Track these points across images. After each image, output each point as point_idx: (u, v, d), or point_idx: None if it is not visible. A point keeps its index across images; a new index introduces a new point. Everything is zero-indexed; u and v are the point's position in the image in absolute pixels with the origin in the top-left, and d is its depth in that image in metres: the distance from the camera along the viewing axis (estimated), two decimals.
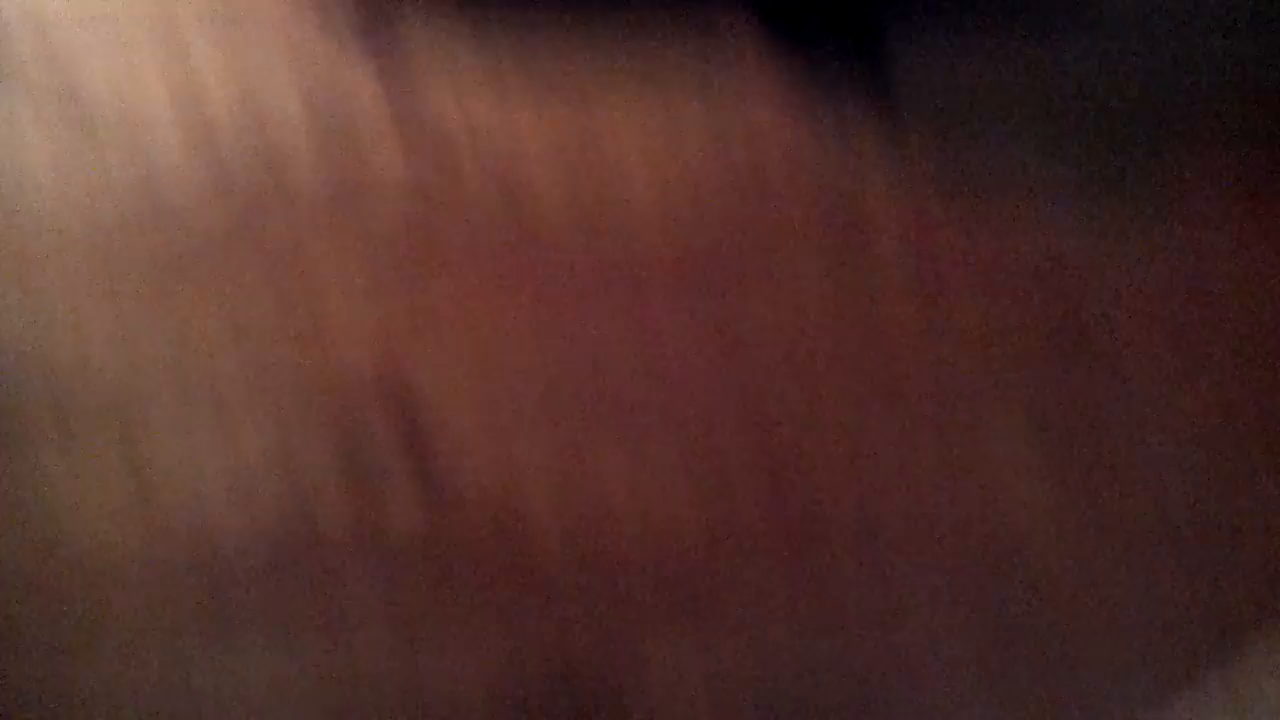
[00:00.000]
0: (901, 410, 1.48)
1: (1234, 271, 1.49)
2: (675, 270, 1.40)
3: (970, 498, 1.49)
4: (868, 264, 1.46)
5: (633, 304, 1.43)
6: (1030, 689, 1.46)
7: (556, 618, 1.51)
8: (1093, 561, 1.51)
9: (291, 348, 1.39)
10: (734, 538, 1.47)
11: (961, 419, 1.48)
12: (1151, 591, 1.52)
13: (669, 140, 1.44)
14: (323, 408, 1.42)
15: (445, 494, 1.45)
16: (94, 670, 1.42)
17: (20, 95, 1.32)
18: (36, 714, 1.37)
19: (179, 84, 1.34)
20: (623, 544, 1.49)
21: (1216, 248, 1.47)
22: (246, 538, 1.40)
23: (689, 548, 1.49)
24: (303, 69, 1.33)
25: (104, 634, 1.44)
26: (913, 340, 1.44)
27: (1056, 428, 1.50)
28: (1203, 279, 1.49)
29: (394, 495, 1.43)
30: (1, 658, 1.41)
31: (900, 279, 1.46)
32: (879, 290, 1.45)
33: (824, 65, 0.74)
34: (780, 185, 1.45)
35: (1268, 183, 1.55)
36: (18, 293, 1.33)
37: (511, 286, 1.41)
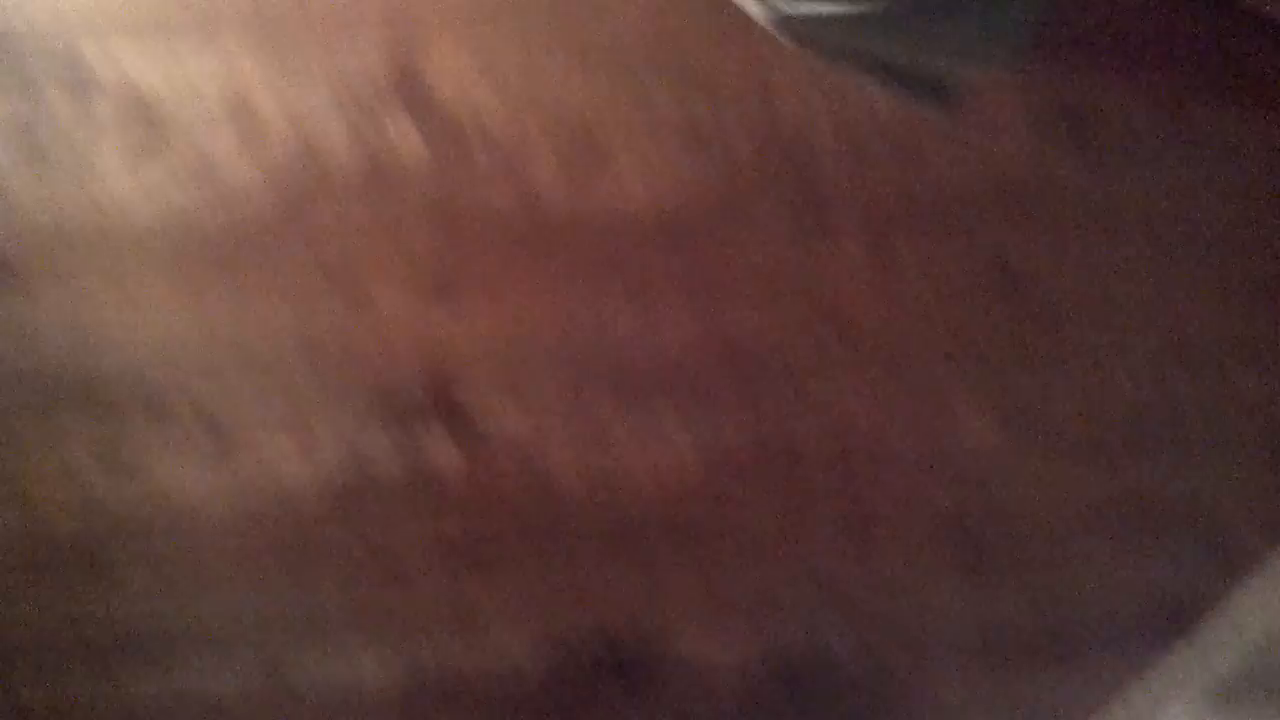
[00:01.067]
0: (861, 351, 1.63)
1: (1150, 210, 1.64)
2: (661, 234, 1.55)
3: (927, 424, 1.67)
4: (823, 219, 1.59)
5: (627, 264, 1.56)
6: (998, 586, 1.65)
7: (580, 554, 1.66)
8: (1037, 474, 1.69)
9: (340, 317, 1.53)
10: (728, 483, 1.63)
11: (914, 356, 1.65)
12: (1086, 500, 1.72)
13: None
14: (369, 369, 1.56)
15: (479, 445, 1.57)
16: (188, 606, 1.56)
17: (97, 102, 1.46)
18: (137, 647, 1.52)
19: (230, 90, 1.47)
20: (634, 489, 1.63)
21: (1136, 194, 1.62)
22: (311, 489, 1.55)
23: (691, 493, 1.64)
24: (337, 77, 1.47)
25: (193, 574, 1.59)
26: (866, 282, 1.60)
27: (996, 361, 1.67)
28: (1118, 217, 1.64)
29: (433, 444, 1.54)
30: (105, 595, 1.56)
31: (850, 223, 1.56)
32: (832, 236, 1.57)
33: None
34: (744, 151, 1.56)
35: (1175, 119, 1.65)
36: (102, 278, 1.47)
37: (524, 252, 1.54)
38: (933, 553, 1.72)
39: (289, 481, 1.60)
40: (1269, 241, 1.66)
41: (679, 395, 1.66)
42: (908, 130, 1.56)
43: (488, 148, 1.53)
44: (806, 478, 1.68)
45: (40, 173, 1.50)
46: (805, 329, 1.65)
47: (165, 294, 1.56)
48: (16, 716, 1.58)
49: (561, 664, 1.74)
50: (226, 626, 1.63)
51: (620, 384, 1.68)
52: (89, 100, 1.48)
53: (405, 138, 1.53)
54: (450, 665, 1.70)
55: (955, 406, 1.71)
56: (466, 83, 1.52)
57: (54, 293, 1.54)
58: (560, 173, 1.55)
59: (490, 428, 1.64)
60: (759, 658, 1.78)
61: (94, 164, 1.50)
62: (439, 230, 1.56)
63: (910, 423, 1.73)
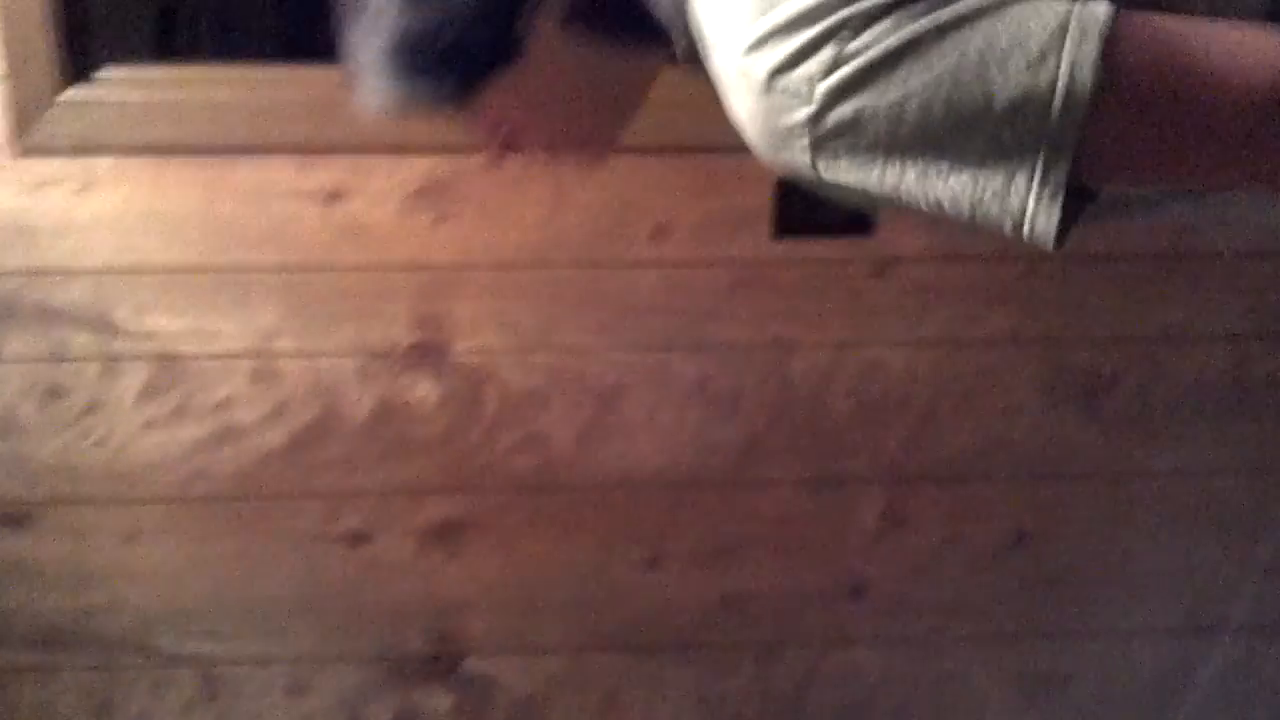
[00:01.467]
0: (874, 613, 1.57)
1: (1165, 480, 1.61)
2: (672, 492, 1.53)
3: (945, 693, 1.59)
4: (836, 474, 1.57)
5: (637, 521, 1.54)
6: None
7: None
8: None
9: (342, 560, 1.52)
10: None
11: (928, 619, 1.58)
12: None
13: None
14: (369, 615, 1.53)
15: None
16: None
17: (115, 341, 1.47)
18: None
19: (249, 336, 1.48)
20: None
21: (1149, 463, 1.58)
22: None
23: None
24: (356, 317, 1.49)
25: None
26: (878, 541, 1.57)
27: (1012, 628, 1.60)
28: None
29: (432, 698, 1.48)
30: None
31: None
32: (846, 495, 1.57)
33: None
34: (756, 406, 1.55)
35: None
36: (112, 514, 1.47)
37: (532, 502, 1.54)
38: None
39: None
40: None
41: (687, 655, 1.63)
42: (922, 389, 1.56)
43: (500, 397, 1.54)
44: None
45: (57, 406, 1.51)
46: (815, 580, 1.62)
47: (169, 528, 1.54)
48: None
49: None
50: None
51: (625, 634, 1.65)
52: (110, 337, 1.50)
53: (418, 383, 1.53)
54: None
55: (968, 667, 1.67)
56: (484, 333, 1.52)
57: (59, 525, 1.53)
58: (572, 428, 1.55)
59: (490, 675, 1.60)
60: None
61: (108, 399, 1.51)
62: (447, 473, 1.55)
63: (921, 680, 1.69)
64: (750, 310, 1.53)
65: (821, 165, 0.70)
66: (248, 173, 1.44)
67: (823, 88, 0.67)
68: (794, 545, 1.59)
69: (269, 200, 1.44)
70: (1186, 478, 1.61)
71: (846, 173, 0.70)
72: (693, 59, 0.77)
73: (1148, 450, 1.60)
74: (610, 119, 0.91)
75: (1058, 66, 0.64)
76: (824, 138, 0.68)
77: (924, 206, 0.70)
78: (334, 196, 1.45)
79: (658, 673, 1.61)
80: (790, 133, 0.69)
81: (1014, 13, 0.66)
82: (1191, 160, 0.69)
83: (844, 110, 0.67)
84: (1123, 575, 1.63)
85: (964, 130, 0.67)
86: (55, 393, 1.48)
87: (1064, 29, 0.65)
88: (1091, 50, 0.64)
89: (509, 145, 0.90)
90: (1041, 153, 0.66)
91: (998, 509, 1.60)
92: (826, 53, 0.66)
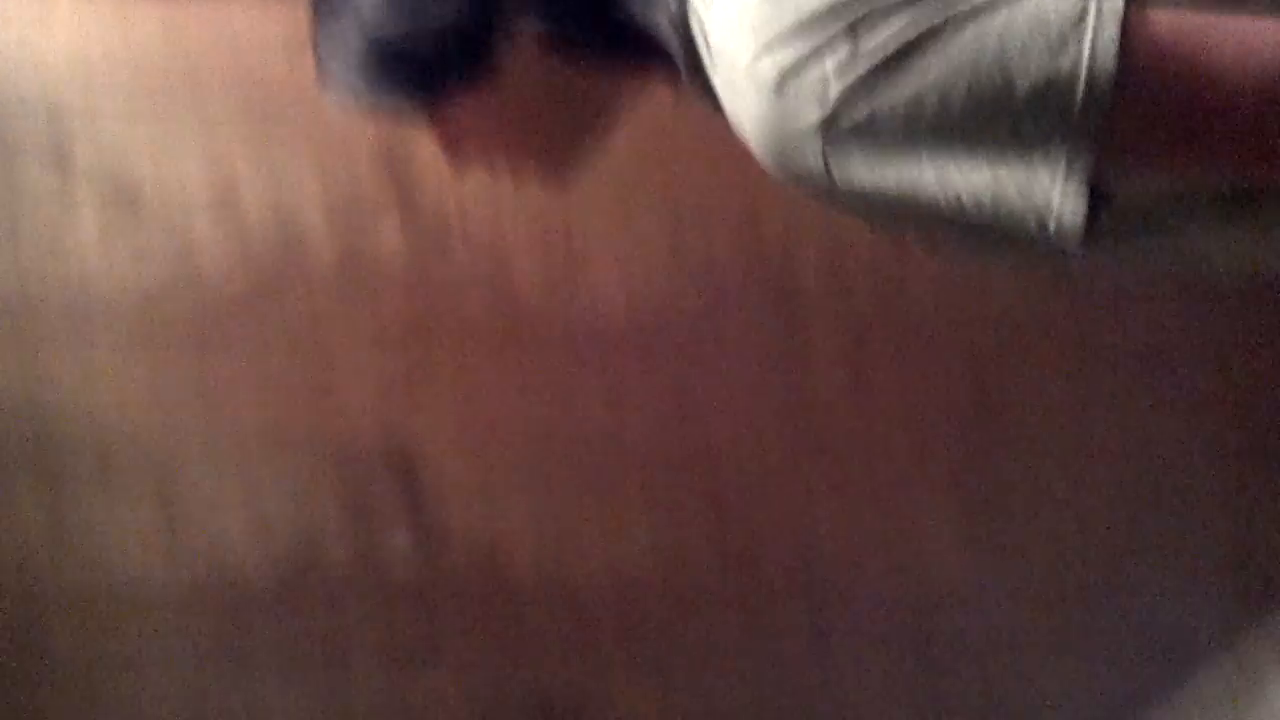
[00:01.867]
0: (832, 464, 1.62)
1: (1124, 345, 1.63)
2: (638, 342, 1.54)
3: (894, 541, 1.63)
4: (802, 338, 1.59)
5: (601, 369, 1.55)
6: (954, 708, 1.60)
7: (532, 653, 1.63)
8: (1000, 601, 1.65)
9: (305, 404, 1.53)
10: (688, 586, 1.61)
11: (885, 473, 1.62)
12: (1049, 629, 1.67)
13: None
14: (332, 458, 1.56)
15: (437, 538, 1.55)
16: (120, 682, 1.55)
17: (74, 179, 1.47)
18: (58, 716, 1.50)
19: (215, 173, 1.48)
20: (593, 590, 1.61)
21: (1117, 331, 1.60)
22: (261, 570, 1.54)
23: (650, 595, 1.62)
24: (321, 164, 1.49)
25: (133, 652, 1.58)
26: (841, 398, 1.58)
27: (968, 486, 1.64)
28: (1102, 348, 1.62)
29: (392, 538, 1.53)
30: (38, 675, 1.55)
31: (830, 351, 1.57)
32: (810, 353, 1.57)
33: None
34: (727, 269, 1.57)
35: None
36: (67, 350, 1.49)
37: (497, 352, 1.55)
38: (890, 669, 1.69)
39: (237, 562, 1.58)
40: (1245, 387, 1.66)
41: (644, 494, 1.65)
42: (892, 259, 1.55)
43: (468, 247, 1.53)
44: (767, 583, 1.65)
45: (13, 242, 1.52)
46: (777, 439, 1.63)
47: (133, 369, 1.55)
48: None
49: None
50: (158, 706, 1.62)
51: (585, 482, 1.66)
52: (69, 175, 1.49)
53: (385, 232, 1.52)
54: None
55: (923, 526, 1.69)
56: (452, 183, 1.51)
57: (16, 358, 1.54)
58: (538, 276, 1.54)
59: (450, 519, 1.62)
60: None
61: (66, 239, 1.51)
62: (412, 323, 1.56)
63: (877, 538, 1.69)
64: (721, 177, 1.52)
65: (836, 169, 0.67)
66: (212, 12, 1.42)
67: (838, 87, 0.64)
68: (757, 403, 1.60)
69: (233, 41, 1.42)
70: (1150, 356, 1.63)
71: (862, 174, 0.67)
72: (695, 76, 0.75)
73: (1114, 323, 1.61)
74: (581, 138, 0.88)
75: (1079, 52, 0.63)
76: (839, 138, 0.66)
77: (943, 207, 0.68)
78: (300, 40, 1.44)
79: (616, 521, 1.63)
80: (803, 137, 0.66)
81: (1032, 1, 0.64)
82: (1210, 146, 0.67)
83: (861, 109, 0.65)
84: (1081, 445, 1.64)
85: (984, 121, 0.65)
86: (12, 231, 1.46)
87: (1083, 14, 0.63)
88: (1112, 34, 0.63)
89: (473, 156, 0.88)
90: (1065, 141, 0.64)
91: (960, 373, 1.60)
92: (842, 52, 0.64)
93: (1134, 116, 0.64)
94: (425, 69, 0.80)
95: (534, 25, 0.79)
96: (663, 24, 0.77)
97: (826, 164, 0.67)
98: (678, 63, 0.78)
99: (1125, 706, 1.69)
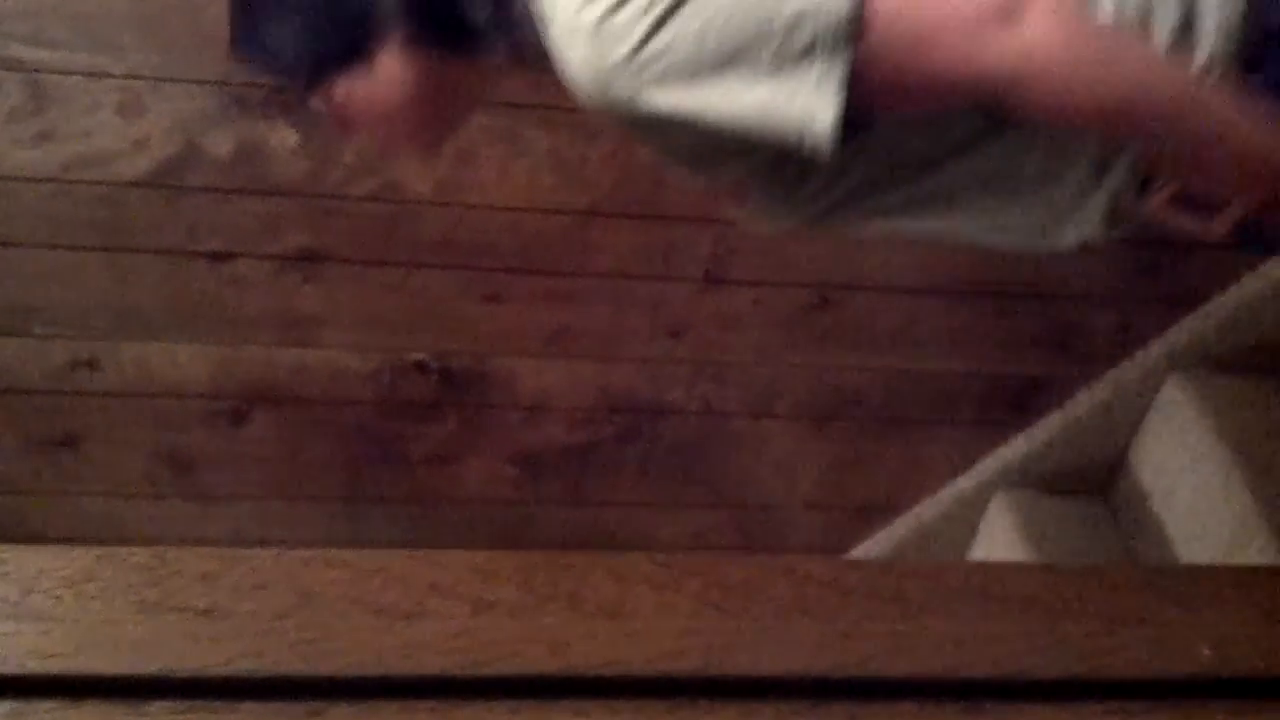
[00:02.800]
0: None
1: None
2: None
3: None
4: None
5: None
6: (849, 357, 1.64)
7: (423, 274, 1.61)
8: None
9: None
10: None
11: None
12: (939, 278, 1.66)
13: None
14: (213, 49, 1.44)
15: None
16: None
17: None
18: None
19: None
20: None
21: None
22: (137, 164, 1.47)
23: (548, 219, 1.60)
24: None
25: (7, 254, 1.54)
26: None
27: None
28: None
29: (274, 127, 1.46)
30: None
31: None
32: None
33: None
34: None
35: None
36: None
37: None
38: (790, 315, 1.77)
39: (114, 157, 1.55)
40: None
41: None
42: None
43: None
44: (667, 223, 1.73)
45: None
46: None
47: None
48: None
49: (392, 379, 1.77)
50: (38, 313, 1.64)
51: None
52: None
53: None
54: (272, 368, 1.74)
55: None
56: None
57: None
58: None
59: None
60: (597, 398, 1.81)
61: None
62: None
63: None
64: None
65: (643, 97, 0.81)
66: None
67: (642, 25, 0.79)
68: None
69: None
70: None
71: (660, 99, 0.81)
72: (539, 59, 0.88)
73: None
74: (446, 117, 1.01)
75: None
76: (643, 66, 0.80)
77: (731, 129, 0.82)
78: None
79: (513, 133, 1.62)
80: (614, 70, 0.81)
81: None
82: (945, 68, 0.80)
83: (659, 40, 0.79)
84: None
85: (756, 43, 0.79)
86: None
87: None
88: None
89: (352, 128, 0.99)
90: (819, 54, 0.79)
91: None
92: None
93: (878, 33, 0.79)
94: (306, 62, 0.94)
95: (403, 27, 0.93)
96: (505, 22, 0.91)
97: (636, 92, 0.81)
98: (524, 51, 0.92)
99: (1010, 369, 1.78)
